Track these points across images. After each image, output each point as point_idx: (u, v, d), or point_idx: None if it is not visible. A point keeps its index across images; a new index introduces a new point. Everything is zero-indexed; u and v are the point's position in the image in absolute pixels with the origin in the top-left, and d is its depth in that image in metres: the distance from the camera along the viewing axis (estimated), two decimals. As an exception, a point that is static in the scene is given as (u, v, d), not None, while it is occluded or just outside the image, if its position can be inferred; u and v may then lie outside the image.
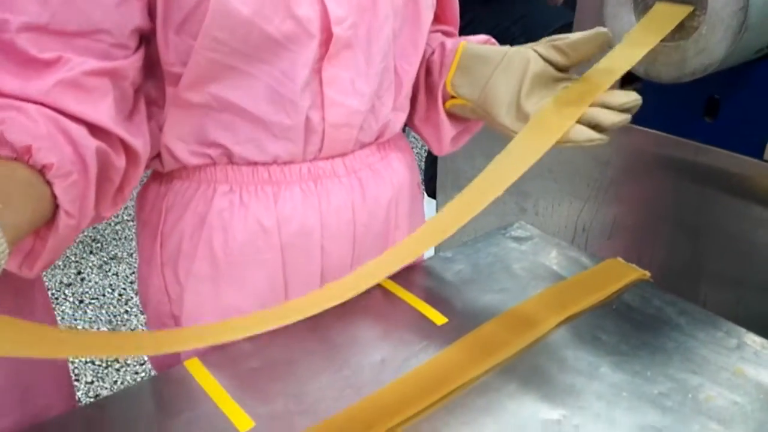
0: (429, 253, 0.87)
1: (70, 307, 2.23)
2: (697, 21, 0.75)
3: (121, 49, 0.56)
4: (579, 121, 0.61)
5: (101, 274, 2.43)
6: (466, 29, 0.80)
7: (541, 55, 0.65)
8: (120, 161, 0.58)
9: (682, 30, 0.77)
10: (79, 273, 2.44)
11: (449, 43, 0.73)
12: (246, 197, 0.66)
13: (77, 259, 2.53)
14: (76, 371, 1.93)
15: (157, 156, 0.67)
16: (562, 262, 0.84)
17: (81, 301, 2.27)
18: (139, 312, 2.21)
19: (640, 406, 0.60)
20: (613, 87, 0.64)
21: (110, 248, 2.61)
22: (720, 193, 0.99)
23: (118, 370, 1.93)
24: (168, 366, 0.69)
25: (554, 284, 0.78)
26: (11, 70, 0.50)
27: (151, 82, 0.64)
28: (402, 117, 0.75)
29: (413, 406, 0.59)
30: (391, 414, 0.58)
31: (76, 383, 1.88)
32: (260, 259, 0.67)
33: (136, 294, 2.31)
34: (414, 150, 1.06)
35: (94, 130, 0.55)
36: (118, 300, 2.28)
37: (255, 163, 0.66)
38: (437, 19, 0.77)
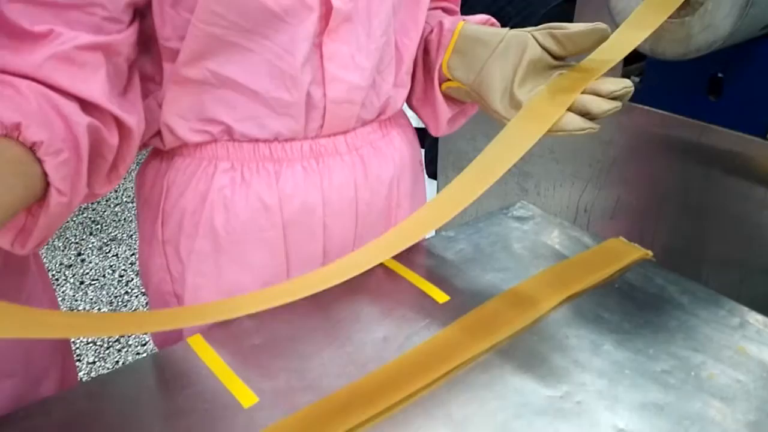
0: (430, 233, 0.87)
1: (71, 289, 2.24)
2: (703, -3, 0.75)
3: (114, 23, 0.55)
4: (570, 109, 0.60)
5: (101, 256, 2.44)
6: (463, 7, 0.80)
7: (538, 42, 0.64)
8: (113, 138, 0.57)
9: (687, 6, 0.76)
10: (80, 254, 2.45)
11: (447, 22, 0.72)
12: (247, 174, 0.66)
13: (77, 240, 2.53)
14: (78, 352, 1.94)
15: (157, 133, 0.66)
16: (564, 242, 0.84)
17: (82, 283, 2.27)
18: (140, 293, 2.21)
19: (642, 384, 0.60)
20: (615, 67, 0.63)
21: (110, 230, 2.61)
22: (723, 173, 0.98)
23: (119, 350, 1.94)
24: (171, 344, 0.69)
25: (556, 263, 0.78)
26: (2, 42, 0.50)
27: (147, 58, 0.64)
28: (403, 93, 0.74)
29: (416, 383, 0.59)
30: (394, 390, 0.58)
31: (78, 363, 1.88)
32: (262, 237, 0.67)
33: (136, 275, 2.31)
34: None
35: (86, 106, 0.54)
36: (119, 281, 2.28)
37: (256, 140, 0.65)
38: None
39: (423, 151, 2.40)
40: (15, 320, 0.42)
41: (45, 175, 0.49)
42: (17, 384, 0.63)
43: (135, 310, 2.14)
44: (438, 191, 1.59)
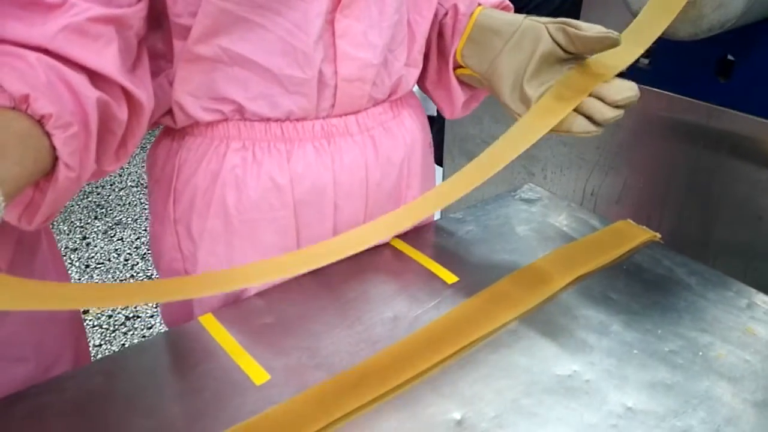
0: (438, 215, 0.87)
1: (77, 272, 2.25)
2: (716, -23, 0.74)
3: None
4: (576, 110, 0.62)
5: (106, 240, 2.44)
6: None
7: (551, 35, 0.64)
8: (122, 113, 0.56)
9: (699, -14, 0.75)
10: (85, 238, 2.45)
11: (462, 5, 0.71)
12: (259, 154, 0.66)
13: (82, 224, 2.54)
14: (84, 334, 1.95)
15: (168, 112, 0.66)
16: (571, 224, 0.84)
17: (87, 266, 2.28)
18: (145, 277, 2.22)
19: (650, 363, 0.61)
20: None
21: (115, 214, 2.62)
22: (731, 156, 0.98)
23: (125, 333, 1.95)
24: (180, 323, 0.69)
25: (565, 245, 0.78)
26: (15, 13, 0.49)
27: (159, 36, 0.63)
28: (415, 73, 0.74)
29: (426, 361, 0.60)
30: (404, 368, 0.59)
31: (84, 346, 1.89)
32: (273, 217, 0.67)
33: (141, 259, 2.32)
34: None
35: (97, 79, 0.54)
36: (124, 265, 2.29)
37: (268, 120, 0.65)
38: None
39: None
40: (16, 292, 0.42)
41: (53, 149, 0.48)
42: (30, 369, 0.63)
43: (141, 293, 2.15)
44: (444, 176, 1.60)
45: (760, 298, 0.70)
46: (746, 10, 0.74)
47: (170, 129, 0.70)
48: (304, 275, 0.73)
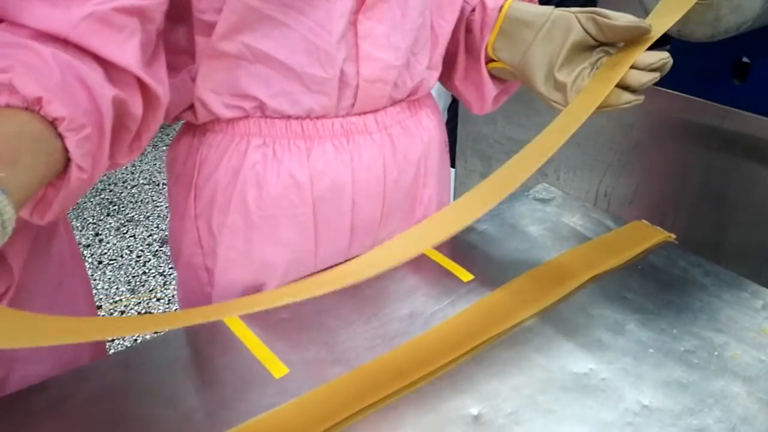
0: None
1: (89, 268, 2.27)
2: (733, -22, 0.74)
3: None
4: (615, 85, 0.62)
5: (119, 236, 2.46)
6: None
7: (582, 25, 0.65)
8: (137, 108, 0.55)
9: (716, -12, 0.76)
10: (98, 235, 2.47)
11: (490, 1, 0.72)
12: (279, 151, 0.66)
13: (95, 221, 2.56)
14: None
15: (190, 108, 0.67)
16: (586, 224, 0.84)
17: (100, 262, 2.30)
18: (157, 273, 2.24)
19: (666, 362, 0.61)
20: None
21: (127, 211, 2.64)
22: (746, 158, 0.98)
23: (137, 329, 1.96)
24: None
25: (580, 245, 0.79)
26: None
27: (181, 31, 0.64)
28: (435, 76, 0.75)
29: (443, 357, 0.60)
30: (422, 364, 0.59)
31: (96, 341, 1.91)
32: (292, 213, 0.68)
33: (153, 256, 2.34)
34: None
35: (114, 71, 0.52)
36: (136, 261, 2.31)
37: (288, 117, 0.66)
38: None
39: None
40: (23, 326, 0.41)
41: (66, 150, 0.47)
42: (46, 369, 0.63)
43: (153, 290, 2.16)
44: (456, 177, 1.60)
45: (775, 299, 0.70)
46: (762, 12, 0.74)
47: (191, 125, 0.71)
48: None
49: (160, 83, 0.57)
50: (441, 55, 0.74)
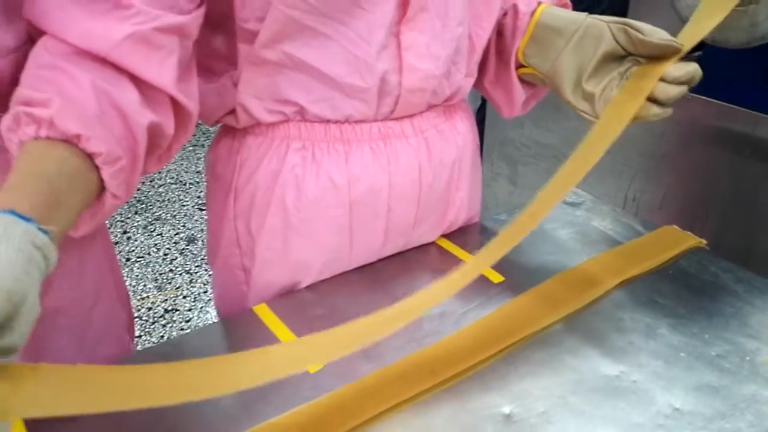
0: (481, 215, 0.88)
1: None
2: (769, -15, 0.74)
3: (189, 1, 0.56)
4: None
5: (146, 234, 2.50)
6: None
7: (613, 35, 0.65)
8: (170, 129, 0.57)
9: (752, -5, 0.76)
10: (125, 233, 2.51)
11: (522, 5, 0.72)
12: (318, 154, 0.68)
13: (123, 219, 2.61)
14: (124, 326, 2.00)
15: (231, 112, 0.68)
16: (616, 228, 0.85)
17: (128, 260, 2.34)
18: (183, 271, 2.27)
19: (697, 366, 0.61)
20: None
21: (155, 209, 2.68)
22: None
23: (164, 325, 1.99)
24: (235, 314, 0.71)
25: (611, 248, 0.79)
26: (86, 5, 0.49)
27: (223, 38, 0.65)
28: (471, 82, 0.76)
29: (474, 357, 0.61)
30: (453, 363, 0.61)
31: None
32: (329, 215, 0.69)
33: (180, 254, 2.37)
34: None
35: (150, 92, 0.53)
36: (163, 259, 2.34)
37: (327, 121, 0.67)
38: None
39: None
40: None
41: (101, 180, 0.50)
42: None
43: (179, 287, 2.19)
44: (483, 180, 1.60)
45: (807, 306, 0.70)
46: (800, 19, 0.74)
47: (231, 128, 0.72)
48: (352, 273, 0.75)
49: (191, 99, 0.58)
50: (477, 62, 0.75)
